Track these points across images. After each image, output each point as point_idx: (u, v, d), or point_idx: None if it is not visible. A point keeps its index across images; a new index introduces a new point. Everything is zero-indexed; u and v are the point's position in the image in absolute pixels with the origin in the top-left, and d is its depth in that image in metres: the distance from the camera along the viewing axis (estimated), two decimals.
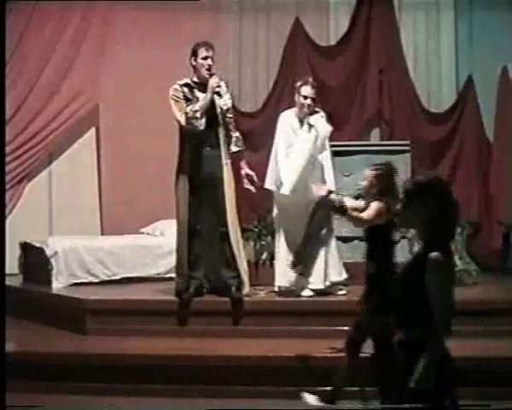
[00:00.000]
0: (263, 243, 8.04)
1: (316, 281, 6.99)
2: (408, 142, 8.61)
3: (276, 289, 7.06)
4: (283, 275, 7.00)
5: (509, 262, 8.46)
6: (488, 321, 6.50)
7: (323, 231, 6.97)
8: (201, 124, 6.77)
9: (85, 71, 9.14)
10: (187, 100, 6.85)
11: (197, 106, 6.76)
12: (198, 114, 6.73)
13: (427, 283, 3.47)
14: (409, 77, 9.22)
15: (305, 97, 6.91)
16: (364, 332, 5.16)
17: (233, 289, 6.84)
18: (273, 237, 7.45)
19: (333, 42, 9.40)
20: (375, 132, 9.35)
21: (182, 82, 6.93)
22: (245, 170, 6.98)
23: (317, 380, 5.59)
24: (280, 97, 9.28)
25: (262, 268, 7.81)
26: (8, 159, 8.73)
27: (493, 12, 8.99)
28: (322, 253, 6.98)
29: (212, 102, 6.86)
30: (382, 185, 5.11)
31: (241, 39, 9.44)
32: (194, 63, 6.91)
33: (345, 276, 7.07)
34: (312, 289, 6.99)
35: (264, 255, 7.92)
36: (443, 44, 9.28)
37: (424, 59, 9.31)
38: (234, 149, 7.00)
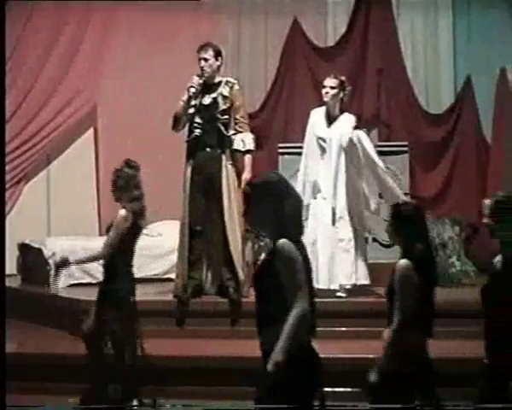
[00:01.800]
0: (261, 243, 8.03)
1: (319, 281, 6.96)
2: (406, 143, 8.62)
3: None
4: None
5: None
6: None
7: (332, 232, 6.95)
8: (176, 127, 6.86)
9: (84, 71, 9.15)
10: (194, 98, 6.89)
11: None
12: (173, 118, 6.83)
13: (280, 269, 3.58)
14: (407, 77, 9.21)
15: (324, 87, 7.10)
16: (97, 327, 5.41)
17: (231, 290, 6.83)
18: None
19: (331, 43, 9.39)
20: (374, 133, 9.34)
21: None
22: (245, 175, 6.89)
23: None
24: (278, 98, 9.29)
25: None
26: (6, 159, 8.71)
27: (491, 12, 9.00)
28: (327, 253, 6.93)
29: (213, 103, 6.87)
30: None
31: (239, 40, 9.43)
32: None
33: (353, 281, 6.90)
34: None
35: (263, 256, 7.90)
36: (441, 45, 9.27)
37: (422, 60, 9.31)
38: (237, 147, 6.94)
